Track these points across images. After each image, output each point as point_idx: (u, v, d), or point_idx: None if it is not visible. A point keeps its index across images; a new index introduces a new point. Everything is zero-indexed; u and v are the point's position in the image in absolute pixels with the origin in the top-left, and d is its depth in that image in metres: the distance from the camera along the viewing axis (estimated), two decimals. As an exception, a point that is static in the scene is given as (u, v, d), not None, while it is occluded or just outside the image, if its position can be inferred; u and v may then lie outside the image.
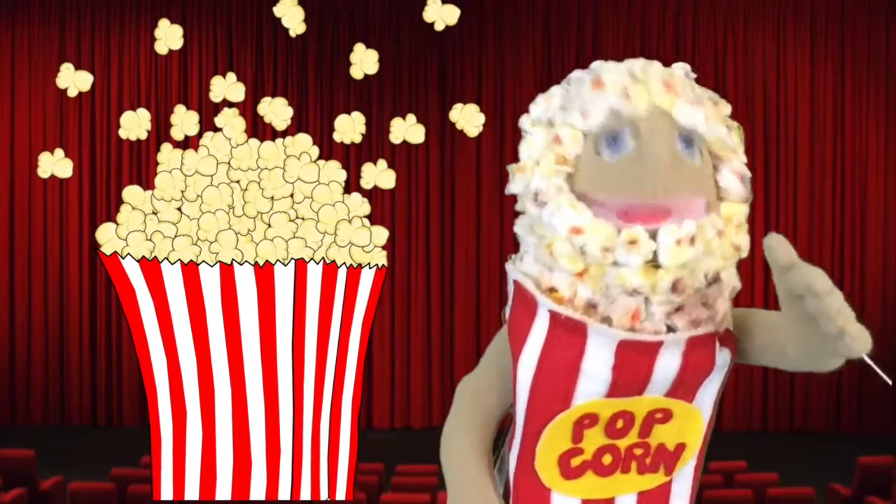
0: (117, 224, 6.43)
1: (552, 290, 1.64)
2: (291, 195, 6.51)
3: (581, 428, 1.68)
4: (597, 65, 1.69)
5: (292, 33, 6.38)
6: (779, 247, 1.46)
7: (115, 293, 12.94)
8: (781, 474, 9.20)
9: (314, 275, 6.35)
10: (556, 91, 1.71)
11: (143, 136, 6.75)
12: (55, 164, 6.53)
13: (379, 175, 6.64)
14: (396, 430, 13.95)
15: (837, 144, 13.99)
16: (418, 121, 7.22)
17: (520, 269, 1.69)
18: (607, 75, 1.64)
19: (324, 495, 6.86)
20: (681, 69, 1.69)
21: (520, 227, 1.70)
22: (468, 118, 6.63)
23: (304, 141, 6.52)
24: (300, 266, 6.33)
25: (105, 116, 13.91)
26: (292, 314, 6.39)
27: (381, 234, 6.45)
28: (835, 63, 13.95)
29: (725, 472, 9.21)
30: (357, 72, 6.73)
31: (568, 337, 1.62)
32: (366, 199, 6.52)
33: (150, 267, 6.33)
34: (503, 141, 13.83)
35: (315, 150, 6.54)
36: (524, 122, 1.71)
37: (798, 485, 8.82)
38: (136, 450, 9.48)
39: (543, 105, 1.70)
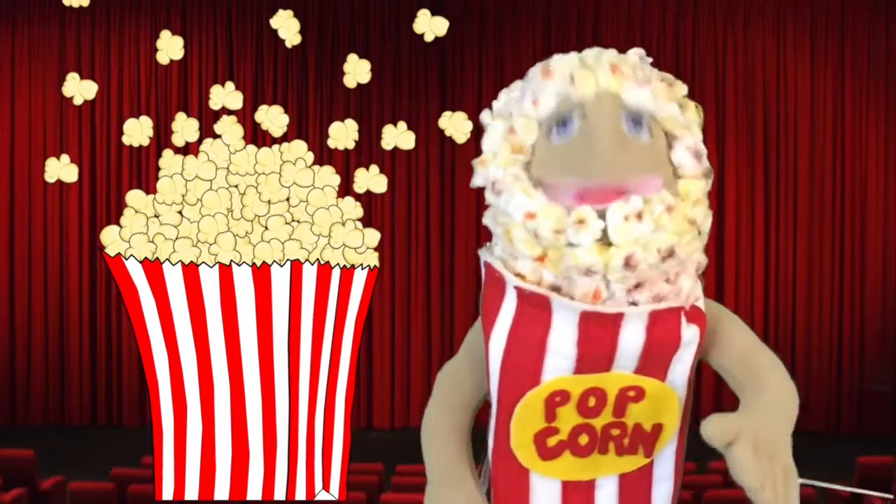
0: (121, 227, 6.59)
1: (519, 276, 1.69)
2: (287, 199, 6.66)
3: (553, 406, 1.71)
4: (553, 57, 1.74)
5: (288, 44, 6.59)
6: (714, 435, 1.61)
7: (115, 294, 13.16)
8: (782, 474, 9.36)
9: (309, 275, 6.51)
10: (515, 85, 1.77)
11: (146, 142, 6.92)
12: (61, 170, 6.72)
13: (371, 180, 6.85)
14: (396, 430, 13.91)
15: (837, 144, 13.98)
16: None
17: (492, 255, 1.75)
18: (556, 64, 1.69)
19: (318, 491, 6.96)
20: (635, 54, 1.73)
21: (487, 218, 1.76)
22: (457, 125, 6.82)
23: (299, 147, 6.70)
24: (296, 267, 6.47)
25: (105, 118, 13.93)
26: (288, 313, 6.52)
27: (374, 236, 6.64)
28: (835, 63, 13.94)
29: (725, 472, 9.21)
30: (350, 81, 6.92)
31: (534, 312, 1.67)
32: (358, 203, 6.68)
33: (153, 268, 6.47)
34: (503, 142, 13.91)
35: (310, 156, 6.70)
36: (485, 116, 1.77)
37: (798, 485, 8.97)
38: (136, 450, 9.49)
39: (504, 99, 1.76)
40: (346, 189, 7.13)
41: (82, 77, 7.07)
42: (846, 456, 9.67)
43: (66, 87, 6.86)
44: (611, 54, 1.70)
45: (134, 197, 6.66)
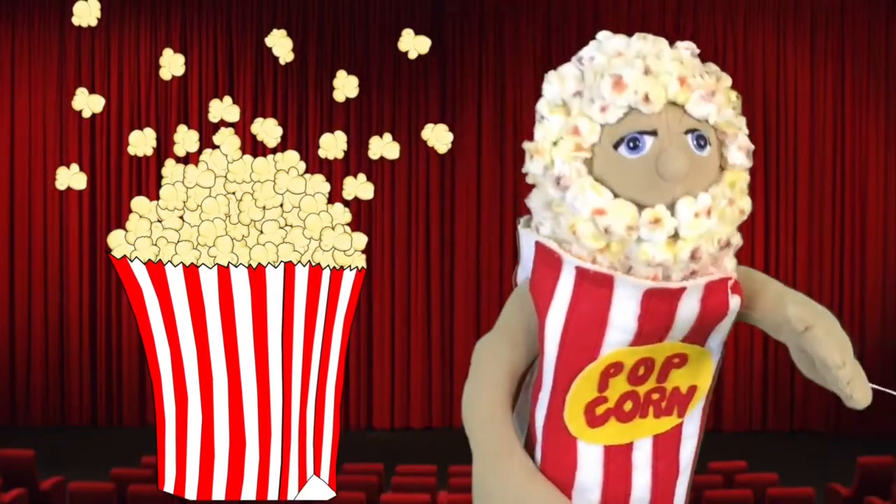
0: (126, 230, 7.07)
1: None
2: (281, 205, 7.14)
3: (607, 377, 1.79)
4: (609, 46, 1.78)
5: (282, 61, 7.15)
6: (796, 315, 1.72)
7: (115, 295, 13.73)
8: (781, 474, 9.62)
9: (301, 276, 6.98)
10: (568, 72, 1.80)
11: (150, 152, 7.42)
12: (71, 178, 7.28)
13: (359, 187, 7.42)
14: (396, 430, 14.37)
15: (837, 144, 14.43)
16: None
17: (539, 234, 1.81)
18: (627, 74, 1.72)
19: (309, 477, 7.34)
20: (687, 50, 1.80)
21: (534, 201, 1.82)
22: (438, 136, 7.33)
23: (292, 157, 7.21)
24: (289, 268, 6.94)
25: (105, 123, 14.30)
26: (282, 311, 6.98)
27: (361, 239, 7.13)
28: (835, 63, 14.40)
29: (725, 472, 9.66)
30: (339, 95, 7.44)
31: (595, 290, 1.74)
32: (347, 209, 7.17)
33: (156, 269, 6.94)
34: (503, 144, 14.22)
35: (302, 165, 7.22)
36: (541, 106, 1.80)
37: (798, 485, 9.27)
38: (136, 450, 9.98)
39: (557, 87, 1.79)
40: (340, 195, 7.60)
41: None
42: (846, 456, 10.18)
43: (75, 101, 7.32)
44: (669, 55, 1.77)
45: (138, 203, 7.18)
